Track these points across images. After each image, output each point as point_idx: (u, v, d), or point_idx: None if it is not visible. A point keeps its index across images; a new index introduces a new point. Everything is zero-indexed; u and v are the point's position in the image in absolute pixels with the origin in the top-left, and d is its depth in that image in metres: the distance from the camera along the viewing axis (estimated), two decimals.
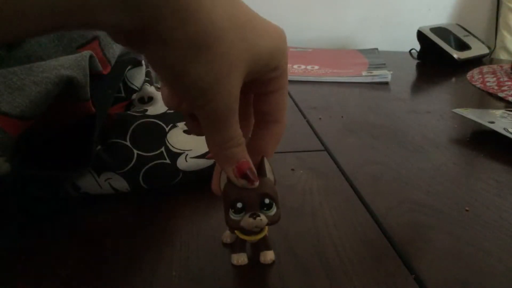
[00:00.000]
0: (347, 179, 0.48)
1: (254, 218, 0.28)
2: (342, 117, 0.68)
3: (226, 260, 0.34)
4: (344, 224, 0.40)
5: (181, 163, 0.43)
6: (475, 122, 0.61)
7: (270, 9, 1.25)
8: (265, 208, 0.29)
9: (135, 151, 0.42)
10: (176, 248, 0.36)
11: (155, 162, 0.42)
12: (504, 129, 0.57)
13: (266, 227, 0.32)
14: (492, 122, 0.59)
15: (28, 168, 0.37)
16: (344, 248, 0.36)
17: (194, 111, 0.25)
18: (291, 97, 0.78)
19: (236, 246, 0.33)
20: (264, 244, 0.34)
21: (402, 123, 0.66)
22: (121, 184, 0.42)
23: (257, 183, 0.28)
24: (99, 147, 0.41)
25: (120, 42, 0.22)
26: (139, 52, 0.22)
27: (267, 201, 0.29)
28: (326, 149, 0.56)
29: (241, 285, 0.32)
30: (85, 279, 0.32)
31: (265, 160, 0.30)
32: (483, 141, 0.60)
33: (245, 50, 0.23)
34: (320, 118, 0.67)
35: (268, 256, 0.34)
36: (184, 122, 0.45)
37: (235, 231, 0.33)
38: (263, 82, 0.27)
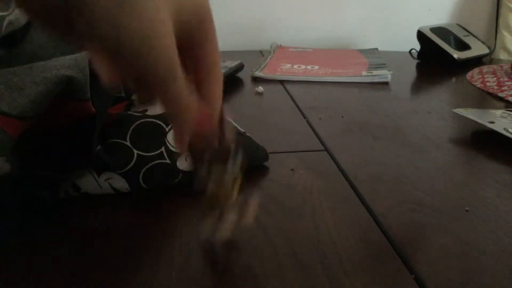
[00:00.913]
0: (347, 179, 0.48)
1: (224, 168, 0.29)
2: (342, 117, 0.68)
3: (226, 260, 0.34)
4: (344, 224, 0.40)
5: (181, 163, 0.43)
6: (475, 122, 0.61)
7: (270, 9, 1.25)
8: (230, 161, 0.30)
9: (135, 151, 0.42)
10: (176, 248, 0.36)
11: (155, 162, 0.42)
12: (504, 129, 0.57)
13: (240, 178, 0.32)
14: (492, 122, 0.59)
15: (28, 168, 0.37)
16: (344, 248, 0.36)
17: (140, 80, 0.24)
18: (291, 97, 0.78)
19: (214, 221, 0.33)
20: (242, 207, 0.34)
21: (402, 123, 0.66)
22: (121, 184, 0.42)
23: (216, 145, 0.29)
24: (99, 147, 0.41)
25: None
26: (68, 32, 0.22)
27: (231, 152, 0.30)
28: (326, 149, 0.56)
29: (241, 285, 0.32)
30: (85, 279, 0.32)
31: (224, 109, 0.30)
32: (483, 141, 0.60)
33: None
34: (320, 118, 0.67)
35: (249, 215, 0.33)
36: None
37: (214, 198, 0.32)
38: (193, 36, 0.27)
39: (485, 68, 1.00)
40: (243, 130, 0.51)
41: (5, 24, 0.35)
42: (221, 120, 0.30)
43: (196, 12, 0.26)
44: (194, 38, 0.26)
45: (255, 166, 0.49)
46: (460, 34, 1.13)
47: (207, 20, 0.27)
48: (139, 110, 0.46)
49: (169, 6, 0.23)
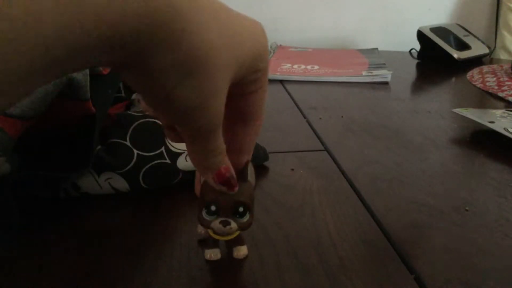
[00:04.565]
0: (347, 179, 0.48)
1: (224, 226, 0.29)
2: (342, 117, 0.68)
3: (226, 260, 0.34)
4: (344, 224, 0.40)
5: (181, 163, 0.43)
6: (475, 122, 0.61)
7: (270, 9, 1.25)
8: (237, 216, 0.29)
9: (135, 151, 0.42)
10: (176, 249, 0.36)
11: (155, 162, 0.42)
12: (504, 129, 0.57)
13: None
14: (492, 122, 0.59)
15: (28, 168, 0.37)
16: (344, 248, 0.36)
17: (177, 127, 0.24)
18: (291, 97, 0.78)
19: (209, 241, 0.33)
20: (237, 240, 0.33)
21: (402, 123, 0.66)
22: (121, 184, 0.42)
23: (236, 189, 0.28)
24: (99, 147, 0.41)
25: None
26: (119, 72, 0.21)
27: (241, 209, 0.29)
28: (326, 149, 0.56)
29: (241, 285, 0.32)
30: (85, 279, 0.32)
31: (250, 164, 0.30)
32: (483, 141, 0.60)
33: (232, 58, 0.22)
34: (320, 118, 0.67)
35: (241, 251, 0.34)
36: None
37: (209, 233, 0.32)
38: (245, 84, 0.26)
39: (485, 68, 1.00)
40: None
41: None
42: (243, 174, 0.29)
43: (253, 64, 0.25)
44: (244, 83, 0.25)
45: (255, 166, 0.49)
46: (460, 34, 1.13)
47: (261, 70, 0.26)
48: (139, 110, 0.46)
49: (231, 74, 0.22)
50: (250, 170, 0.30)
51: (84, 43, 0.16)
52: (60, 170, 0.38)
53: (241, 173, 0.29)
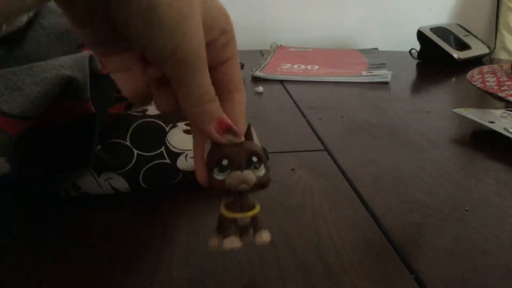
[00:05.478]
0: (347, 179, 0.48)
1: (241, 171, 0.26)
2: (342, 117, 0.68)
3: (226, 260, 0.34)
4: (344, 224, 0.40)
5: (181, 163, 0.43)
6: (475, 122, 0.61)
7: (270, 9, 1.25)
8: (252, 167, 0.27)
9: (135, 151, 0.42)
10: (176, 248, 0.36)
11: (155, 162, 0.42)
12: (504, 129, 0.57)
13: (258, 206, 0.29)
14: (492, 122, 0.59)
15: (28, 168, 0.37)
16: (344, 248, 0.36)
17: (162, 66, 0.24)
18: (291, 97, 0.78)
19: (226, 229, 0.29)
20: (256, 225, 0.29)
21: (402, 123, 0.66)
22: (121, 184, 0.42)
23: (242, 138, 0.27)
24: (99, 147, 0.41)
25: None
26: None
27: (254, 159, 0.27)
28: (326, 149, 0.56)
29: (241, 285, 0.32)
30: (85, 279, 0.32)
31: (252, 128, 0.28)
32: (483, 141, 0.60)
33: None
34: (320, 118, 0.67)
35: (265, 235, 0.29)
36: (184, 122, 0.45)
37: (224, 213, 0.29)
38: (216, 49, 0.26)
39: (485, 68, 1.00)
40: None
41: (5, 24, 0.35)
42: (248, 136, 0.28)
43: (220, 20, 0.25)
44: (215, 48, 0.26)
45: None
46: (460, 34, 1.13)
47: (229, 32, 0.26)
48: (139, 110, 0.46)
49: (198, 3, 0.23)
50: (255, 135, 0.29)
51: None
52: (60, 170, 0.38)
53: (246, 135, 0.28)
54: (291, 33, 1.25)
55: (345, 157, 0.54)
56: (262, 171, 0.27)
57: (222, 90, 0.27)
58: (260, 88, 0.80)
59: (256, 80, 0.88)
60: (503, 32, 1.31)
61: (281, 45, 1.17)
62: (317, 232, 0.38)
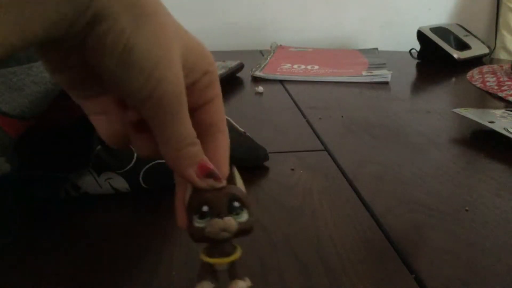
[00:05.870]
0: (347, 179, 0.48)
1: (221, 219, 0.25)
2: (342, 117, 0.68)
3: None
4: (344, 224, 0.40)
5: None
6: (475, 122, 0.61)
7: (270, 9, 1.25)
8: (234, 213, 0.25)
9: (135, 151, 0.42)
10: (176, 248, 0.36)
11: (155, 162, 0.42)
12: (504, 129, 0.57)
13: (238, 251, 0.27)
14: (492, 122, 0.59)
15: (28, 168, 0.37)
16: (344, 248, 0.36)
17: (141, 108, 0.23)
18: (291, 97, 0.78)
19: (202, 273, 0.28)
20: (233, 272, 0.28)
21: (402, 123, 0.66)
22: (121, 184, 0.42)
23: (224, 181, 0.26)
24: (99, 147, 0.41)
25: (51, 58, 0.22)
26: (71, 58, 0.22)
27: (236, 204, 0.25)
28: (326, 149, 0.56)
29: None
30: (85, 279, 0.32)
31: (235, 170, 0.27)
32: (483, 141, 0.60)
33: (178, 33, 0.23)
34: (320, 118, 0.67)
35: (239, 284, 0.27)
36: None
37: (201, 257, 0.27)
38: (200, 90, 0.25)
39: (485, 68, 1.00)
40: (243, 130, 0.51)
41: None
42: (230, 179, 0.27)
43: (202, 62, 0.25)
44: (197, 90, 0.25)
45: (255, 166, 0.49)
46: (460, 34, 1.13)
47: (212, 73, 0.25)
48: None
49: (179, 43, 0.23)
50: (239, 178, 0.27)
51: None
52: (60, 170, 0.38)
53: (229, 178, 0.27)
54: (291, 33, 1.25)
55: (345, 157, 0.54)
56: (244, 217, 0.26)
57: (205, 131, 0.27)
58: (260, 88, 0.80)
59: (256, 80, 0.88)
60: (503, 32, 1.30)
61: (281, 45, 1.17)
62: (317, 232, 0.38)
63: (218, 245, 0.27)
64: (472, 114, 0.63)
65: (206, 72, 0.25)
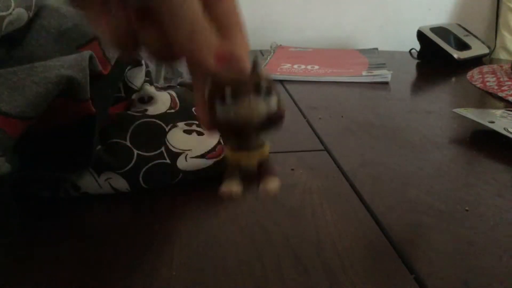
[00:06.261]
0: (347, 179, 0.48)
1: (249, 102, 0.21)
2: (342, 117, 0.68)
3: (226, 260, 0.34)
4: (344, 224, 0.40)
5: (181, 163, 0.43)
6: (475, 122, 0.61)
7: (270, 9, 1.25)
8: (262, 95, 0.22)
9: (135, 151, 0.42)
10: (176, 248, 0.36)
11: (155, 162, 0.42)
12: (504, 129, 0.57)
13: (267, 147, 0.25)
14: (492, 122, 0.59)
15: (28, 168, 0.37)
16: (344, 248, 0.36)
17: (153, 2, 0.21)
18: (291, 97, 0.78)
19: (227, 173, 0.25)
20: (265, 170, 0.25)
21: (402, 123, 0.66)
22: (121, 184, 0.42)
23: (248, 66, 0.22)
24: (99, 147, 0.41)
25: None
26: None
27: (263, 84, 0.22)
28: (326, 149, 0.56)
29: (241, 285, 0.32)
30: (85, 279, 0.32)
31: (258, 61, 0.23)
32: (483, 141, 0.60)
33: None
34: (320, 118, 0.67)
35: (271, 183, 0.25)
36: (184, 122, 0.45)
37: (227, 155, 0.25)
38: None
39: (485, 68, 1.00)
40: None
41: (5, 24, 0.35)
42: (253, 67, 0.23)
43: None
44: None
45: None
46: (460, 34, 1.13)
47: None
48: (139, 110, 0.46)
49: None
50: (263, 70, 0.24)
51: None
52: (60, 170, 0.38)
53: (252, 68, 0.23)
54: (291, 33, 1.25)
55: (345, 157, 0.54)
56: (273, 100, 0.22)
57: (220, 30, 0.23)
58: None
59: None
60: (503, 32, 1.30)
61: (281, 45, 1.17)
62: (317, 232, 0.38)
63: (244, 137, 0.24)
64: (472, 114, 0.63)
65: None
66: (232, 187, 0.24)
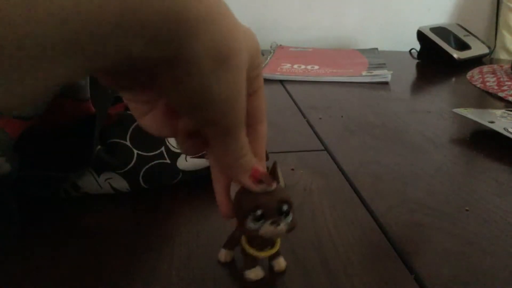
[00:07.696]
0: (347, 179, 0.48)
1: (275, 227, 0.27)
2: (342, 117, 0.68)
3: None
4: (344, 224, 0.40)
5: (181, 163, 0.43)
6: (475, 122, 0.61)
7: (270, 9, 1.25)
8: (283, 215, 0.28)
9: (135, 151, 0.42)
10: (176, 248, 0.36)
11: (155, 162, 0.42)
12: (504, 129, 0.57)
13: (279, 240, 0.32)
14: (492, 122, 0.59)
15: (28, 168, 0.37)
16: (344, 248, 0.36)
17: (202, 129, 0.24)
18: (291, 97, 0.78)
19: (248, 262, 0.32)
20: (275, 255, 0.33)
21: (402, 123, 0.66)
22: (121, 184, 0.42)
23: (275, 185, 0.28)
24: (99, 147, 0.41)
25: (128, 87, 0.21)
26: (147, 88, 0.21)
27: (285, 207, 0.28)
28: (326, 149, 0.56)
29: (241, 285, 0.32)
30: (85, 279, 0.32)
31: (277, 166, 0.29)
32: (483, 141, 0.60)
33: (246, 50, 0.22)
34: (320, 118, 0.67)
35: (282, 263, 0.33)
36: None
37: (245, 249, 0.31)
38: (248, 83, 0.24)
39: (485, 68, 1.00)
40: None
41: None
42: (274, 175, 0.28)
43: (256, 59, 0.24)
44: (249, 84, 0.24)
45: None
46: (460, 34, 1.13)
47: (260, 65, 0.25)
48: None
49: (246, 64, 0.22)
50: (279, 173, 0.30)
51: (103, 20, 0.15)
52: (60, 170, 0.38)
53: (271, 174, 0.28)
54: (291, 33, 1.25)
55: (345, 157, 0.54)
56: (290, 218, 0.28)
57: (248, 122, 0.26)
58: None
59: None
60: (503, 32, 1.31)
61: (281, 45, 1.17)
62: (317, 232, 0.38)
63: (266, 243, 0.31)
64: (472, 114, 0.63)
65: (258, 65, 0.25)
66: (258, 275, 0.32)
